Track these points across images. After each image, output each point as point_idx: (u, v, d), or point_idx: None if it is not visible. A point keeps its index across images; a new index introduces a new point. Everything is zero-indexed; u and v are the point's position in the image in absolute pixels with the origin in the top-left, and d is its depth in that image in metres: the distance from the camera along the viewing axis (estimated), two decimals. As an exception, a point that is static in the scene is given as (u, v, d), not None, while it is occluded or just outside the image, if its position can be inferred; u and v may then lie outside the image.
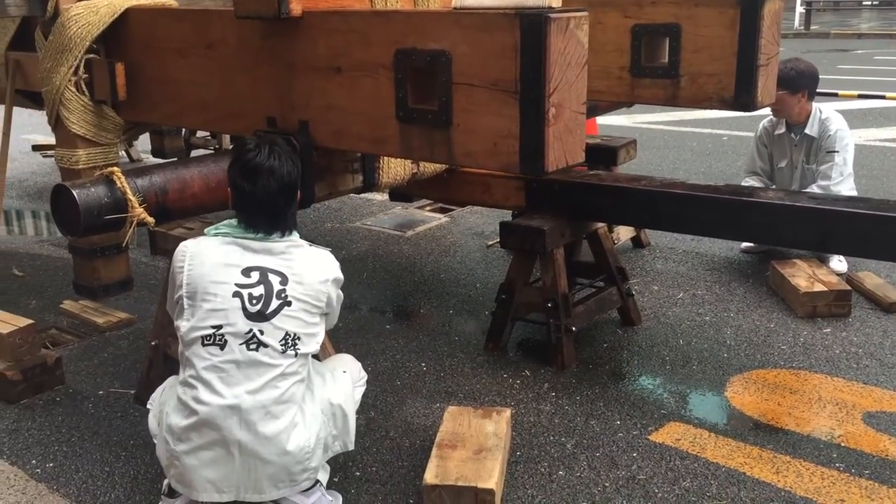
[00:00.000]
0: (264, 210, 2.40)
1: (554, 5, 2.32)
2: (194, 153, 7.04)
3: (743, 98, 3.43)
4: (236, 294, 2.33)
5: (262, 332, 2.32)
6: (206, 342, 2.33)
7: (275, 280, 2.36)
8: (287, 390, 2.35)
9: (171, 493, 2.46)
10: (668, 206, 3.50)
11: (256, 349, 2.31)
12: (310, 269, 2.41)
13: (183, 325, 2.36)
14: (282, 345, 2.34)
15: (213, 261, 2.37)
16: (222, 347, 2.32)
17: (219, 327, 2.32)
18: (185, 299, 2.36)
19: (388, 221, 5.74)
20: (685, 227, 3.82)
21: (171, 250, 3.09)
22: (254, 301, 2.33)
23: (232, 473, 2.34)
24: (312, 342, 2.42)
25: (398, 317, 4.20)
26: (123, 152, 7.56)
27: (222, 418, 2.29)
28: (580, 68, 2.40)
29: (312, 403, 2.46)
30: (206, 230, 2.48)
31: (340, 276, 2.51)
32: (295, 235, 2.47)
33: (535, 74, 2.30)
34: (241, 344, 2.31)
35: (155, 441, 2.52)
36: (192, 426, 2.32)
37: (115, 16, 3.48)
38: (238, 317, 2.32)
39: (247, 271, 2.35)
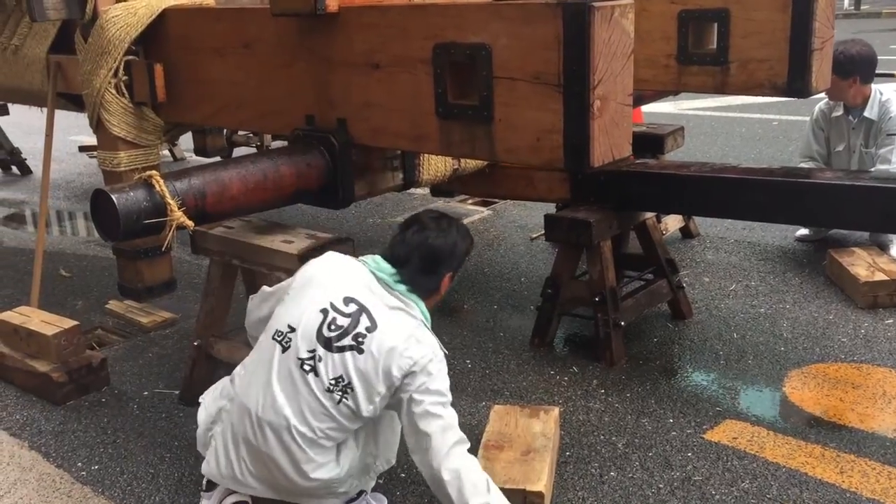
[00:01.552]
0: (397, 255, 2.37)
1: None
2: (236, 151, 7.07)
3: (796, 84, 3.29)
4: (324, 311, 2.29)
5: (320, 360, 2.24)
6: (276, 336, 2.32)
7: (364, 323, 2.26)
8: (323, 431, 2.25)
9: (210, 486, 2.45)
10: (719, 192, 3.38)
11: (308, 372, 2.25)
12: (393, 338, 2.23)
13: (277, 310, 2.38)
14: (332, 383, 2.23)
15: (333, 273, 2.36)
16: (284, 350, 2.29)
17: (293, 329, 2.29)
18: (293, 289, 2.38)
19: (430, 216, 5.67)
20: (738, 212, 3.70)
21: (212, 249, 3.10)
22: (332, 328, 2.26)
23: (257, 472, 2.31)
24: (368, 405, 2.23)
25: (442, 313, 4.12)
26: (167, 151, 7.63)
27: (255, 425, 2.26)
28: (626, 59, 2.29)
29: (352, 437, 2.36)
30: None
31: (414, 370, 2.19)
32: (419, 305, 2.34)
33: (578, 66, 2.20)
34: (298, 358, 2.26)
35: (198, 445, 2.52)
36: (231, 412, 2.33)
37: (153, 17, 3.46)
38: (311, 332, 2.27)
39: (348, 300, 2.30)
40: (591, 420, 3.08)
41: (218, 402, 2.45)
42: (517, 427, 2.78)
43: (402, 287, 2.33)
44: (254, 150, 6.75)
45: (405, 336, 2.24)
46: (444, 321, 3.99)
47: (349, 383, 2.22)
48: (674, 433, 2.97)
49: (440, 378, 2.25)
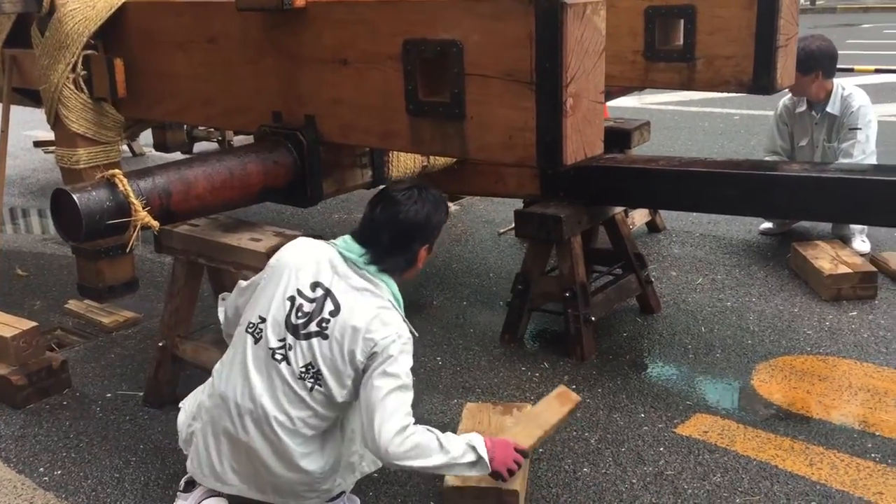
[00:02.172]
0: (366, 234, 2.31)
1: None
2: (197, 146, 6.95)
3: (762, 80, 3.30)
4: (291, 298, 2.25)
5: (290, 348, 2.22)
6: (248, 329, 2.29)
7: (328, 307, 2.22)
8: (301, 420, 2.22)
9: (188, 486, 2.40)
10: (688, 186, 3.40)
11: (280, 361, 2.22)
12: (357, 319, 2.19)
13: (252, 299, 2.35)
14: (302, 371, 2.20)
15: (301, 259, 2.32)
16: (256, 341, 2.27)
17: (263, 320, 2.27)
18: (264, 280, 2.34)
19: (397, 211, 5.63)
20: (707, 206, 3.73)
21: (176, 248, 3.03)
22: (299, 315, 2.23)
23: (238, 466, 2.27)
24: (341, 390, 2.20)
25: (411, 309, 4.02)
26: (126, 146, 7.48)
27: (234, 416, 2.23)
28: (598, 56, 2.28)
29: (339, 429, 2.34)
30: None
31: (376, 350, 2.16)
32: (389, 285, 2.29)
33: (551, 64, 2.18)
34: (269, 348, 2.24)
35: (180, 442, 2.48)
36: (210, 407, 2.30)
37: (113, 10, 3.36)
38: (281, 321, 2.24)
39: (315, 285, 2.26)
40: (563, 416, 3.07)
41: (198, 399, 2.41)
42: (490, 425, 2.76)
43: (372, 267, 2.28)
44: (215, 145, 6.64)
45: (369, 317, 2.20)
46: (413, 317, 3.90)
47: (318, 370, 2.20)
48: (645, 428, 2.97)
49: (402, 360, 2.20)
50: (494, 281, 4.38)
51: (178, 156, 6.63)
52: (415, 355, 3.50)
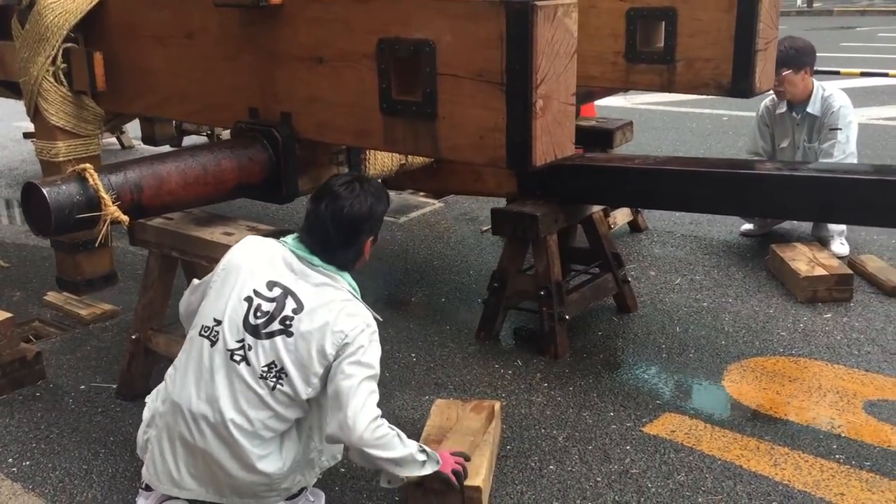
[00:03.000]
0: (314, 234, 2.31)
1: None
2: (187, 140, 6.95)
3: (741, 84, 3.31)
4: (248, 299, 2.25)
5: (250, 348, 2.22)
6: (202, 332, 2.28)
7: (289, 305, 2.23)
8: (261, 421, 2.21)
9: (149, 486, 2.40)
10: (664, 185, 3.43)
11: (238, 362, 2.21)
12: (322, 314, 2.21)
13: (202, 304, 2.33)
14: (264, 370, 2.20)
15: (253, 259, 2.31)
16: (212, 344, 2.26)
17: (218, 322, 2.26)
18: (214, 283, 2.33)
19: (382, 207, 5.64)
20: (683, 204, 3.76)
21: (150, 241, 3.04)
22: (259, 314, 2.23)
23: (195, 471, 2.27)
24: (306, 388, 2.21)
25: (389, 306, 4.11)
26: (115, 139, 7.48)
27: (189, 421, 2.22)
28: (569, 58, 2.30)
29: (295, 428, 2.33)
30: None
31: (347, 342, 2.18)
32: (345, 277, 2.32)
33: (521, 65, 2.20)
34: (227, 350, 2.23)
35: (137, 450, 2.48)
36: (164, 413, 2.28)
37: (93, 3, 3.37)
38: (238, 322, 2.24)
39: (272, 284, 2.26)
40: (532, 414, 3.09)
41: (153, 406, 2.39)
42: (458, 421, 2.78)
43: (324, 263, 2.29)
44: (205, 139, 6.64)
45: (335, 311, 2.22)
46: (391, 314, 3.97)
47: (282, 368, 2.20)
48: (614, 426, 2.99)
49: (372, 350, 2.23)
50: (474, 278, 4.39)
51: (166, 149, 6.68)
52: (389, 351, 3.57)
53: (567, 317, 3.54)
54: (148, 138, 5.77)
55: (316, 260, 2.29)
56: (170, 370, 2.36)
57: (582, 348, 3.60)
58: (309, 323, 2.20)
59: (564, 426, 3.01)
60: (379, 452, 2.20)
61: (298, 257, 2.30)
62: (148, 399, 2.46)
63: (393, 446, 2.23)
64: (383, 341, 3.62)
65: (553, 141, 2.32)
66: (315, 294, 2.25)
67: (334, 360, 2.20)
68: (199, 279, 2.52)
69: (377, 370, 2.24)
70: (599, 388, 3.26)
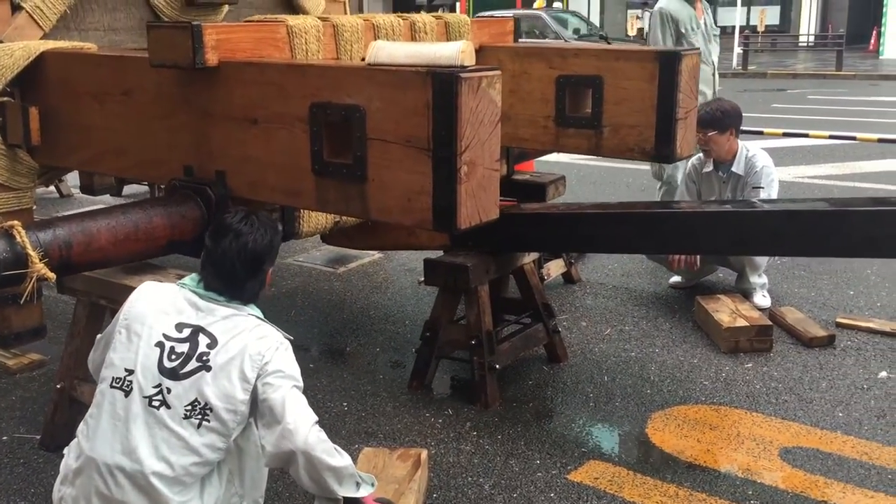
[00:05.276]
0: (220, 271, 2.34)
1: (467, 64, 2.33)
2: (127, 188, 6.92)
3: (663, 150, 3.46)
4: (159, 344, 2.26)
5: (169, 391, 2.22)
6: (114, 384, 2.26)
7: (203, 342, 2.25)
8: (184, 467, 2.20)
9: None
10: (585, 227, 3.58)
11: (158, 407, 2.21)
12: (236, 343, 2.24)
13: (108, 357, 2.31)
14: (187, 410, 2.21)
15: (155, 305, 2.32)
16: (127, 395, 2.24)
17: (130, 372, 2.25)
18: (118, 333, 2.32)
19: (321, 257, 5.68)
20: (604, 245, 3.92)
21: (78, 289, 3.03)
22: (173, 357, 2.24)
23: None
24: (234, 417, 2.22)
25: (323, 355, 4.13)
26: (54, 188, 7.40)
27: (105, 474, 2.20)
28: (493, 126, 2.40)
29: (216, 472, 2.32)
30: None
31: (266, 361, 2.22)
32: (251, 308, 2.36)
33: (447, 132, 2.29)
34: (144, 397, 2.22)
35: None
36: (78, 470, 2.24)
37: (31, 59, 3.38)
38: (153, 367, 2.24)
39: (180, 326, 2.28)
40: (461, 462, 3.13)
41: (67, 462, 2.34)
42: (384, 470, 2.81)
43: (230, 299, 2.34)
44: (146, 187, 6.62)
45: (248, 337, 2.26)
46: (325, 364, 3.99)
47: (206, 404, 2.21)
48: (539, 474, 3.05)
49: (291, 363, 2.28)
50: (410, 328, 4.44)
51: (106, 198, 6.63)
52: (321, 401, 3.59)
53: (498, 366, 3.61)
54: (86, 188, 5.74)
55: (224, 300, 2.33)
56: (81, 426, 2.32)
57: (512, 397, 3.66)
58: (225, 354, 2.24)
59: (491, 474, 3.05)
60: (325, 458, 2.24)
61: (201, 296, 2.33)
62: (65, 451, 2.43)
63: (332, 453, 2.28)
64: (316, 390, 3.68)
65: (478, 205, 2.41)
66: (225, 327, 2.28)
67: (256, 380, 2.23)
68: (101, 334, 2.52)
69: (301, 382, 2.30)
70: (527, 437, 3.32)
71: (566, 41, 15.93)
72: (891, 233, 3.08)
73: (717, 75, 5.82)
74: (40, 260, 2.49)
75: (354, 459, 2.97)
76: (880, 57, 20.87)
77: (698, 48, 4.53)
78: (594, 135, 3.61)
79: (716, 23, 5.96)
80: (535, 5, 21.74)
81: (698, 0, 5.64)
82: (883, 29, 21.11)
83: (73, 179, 6.67)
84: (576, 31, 18.77)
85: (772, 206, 3.35)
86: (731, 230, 3.33)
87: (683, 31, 5.49)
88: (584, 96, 3.65)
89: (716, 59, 5.73)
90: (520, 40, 4.08)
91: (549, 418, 3.49)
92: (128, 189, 6.85)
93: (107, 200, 6.72)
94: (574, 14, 21.28)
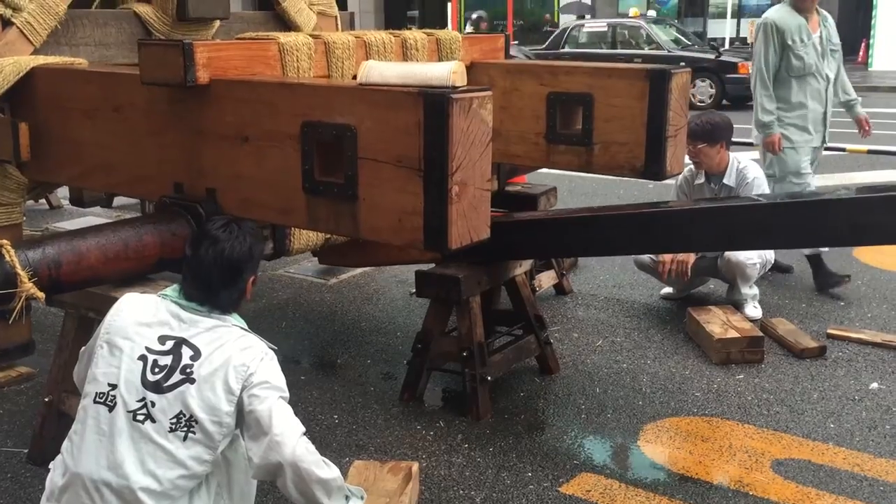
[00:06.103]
0: (198, 280, 2.32)
1: (458, 84, 2.33)
2: (118, 200, 6.89)
3: (653, 167, 3.46)
4: (142, 357, 2.24)
5: (153, 405, 2.19)
6: (98, 399, 2.24)
7: (186, 353, 2.23)
8: (171, 481, 2.18)
9: None
10: (574, 232, 3.58)
11: (143, 421, 2.18)
12: (220, 355, 2.22)
13: (90, 372, 2.28)
14: (172, 423, 2.18)
15: (136, 317, 2.30)
16: (111, 409, 2.21)
17: (114, 386, 2.22)
18: (100, 347, 2.29)
19: (311, 269, 5.66)
20: (594, 248, 3.90)
21: (67, 301, 3.01)
22: (156, 370, 2.21)
23: None
24: (220, 429, 2.20)
25: (314, 367, 4.11)
26: (44, 199, 7.36)
27: (91, 491, 2.17)
28: (484, 146, 2.40)
29: (204, 486, 2.30)
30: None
31: (251, 372, 2.20)
32: (233, 317, 2.34)
33: (438, 153, 2.30)
34: (128, 411, 2.20)
35: None
36: (64, 487, 2.22)
37: (21, 75, 3.37)
38: (136, 381, 2.21)
39: (163, 339, 2.26)
40: (452, 475, 3.12)
41: (53, 479, 2.30)
42: (375, 483, 2.79)
43: (211, 308, 2.31)
44: (136, 200, 6.59)
45: (231, 348, 2.23)
46: (316, 376, 3.98)
47: (191, 416, 2.19)
48: (531, 487, 3.03)
49: (276, 374, 2.26)
50: (401, 340, 4.43)
51: (96, 210, 6.61)
52: (312, 413, 3.57)
53: (489, 378, 3.60)
54: (76, 200, 5.71)
55: (205, 310, 2.31)
56: (65, 442, 2.29)
57: (504, 409, 3.65)
58: (209, 365, 2.21)
59: (482, 487, 3.03)
60: (314, 469, 2.20)
61: (183, 307, 2.32)
62: (51, 466, 2.41)
63: (322, 466, 2.25)
64: (306, 402, 3.66)
65: (469, 225, 2.42)
66: (208, 338, 2.26)
67: (242, 391, 2.21)
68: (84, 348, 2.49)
69: (287, 393, 2.28)
70: (519, 449, 3.31)
71: (669, 52, 14.76)
72: (877, 220, 3.08)
73: (832, 90, 5.25)
74: (29, 279, 2.48)
75: (345, 472, 2.96)
76: (869, 69, 20.99)
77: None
78: (585, 152, 3.62)
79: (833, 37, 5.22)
80: (631, 13, 19.48)
81: (814, 12, 5.18)
82: (872, 41, 21.23)
83: (62, 191, 6.64)
84: (676, 41, 15.98)
85: (757, 200, 3.39)
86: (722, 226, 3.32)
87: (790, 42, 5.04)
88: (575, 113, 3.65)
89: (831, 74, 5.22)
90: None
91: (541, 430, 3.48)
92: (118, 200, 6.82)
93: (97, 212, 6.70)
94: (670, 24, 17.95)
